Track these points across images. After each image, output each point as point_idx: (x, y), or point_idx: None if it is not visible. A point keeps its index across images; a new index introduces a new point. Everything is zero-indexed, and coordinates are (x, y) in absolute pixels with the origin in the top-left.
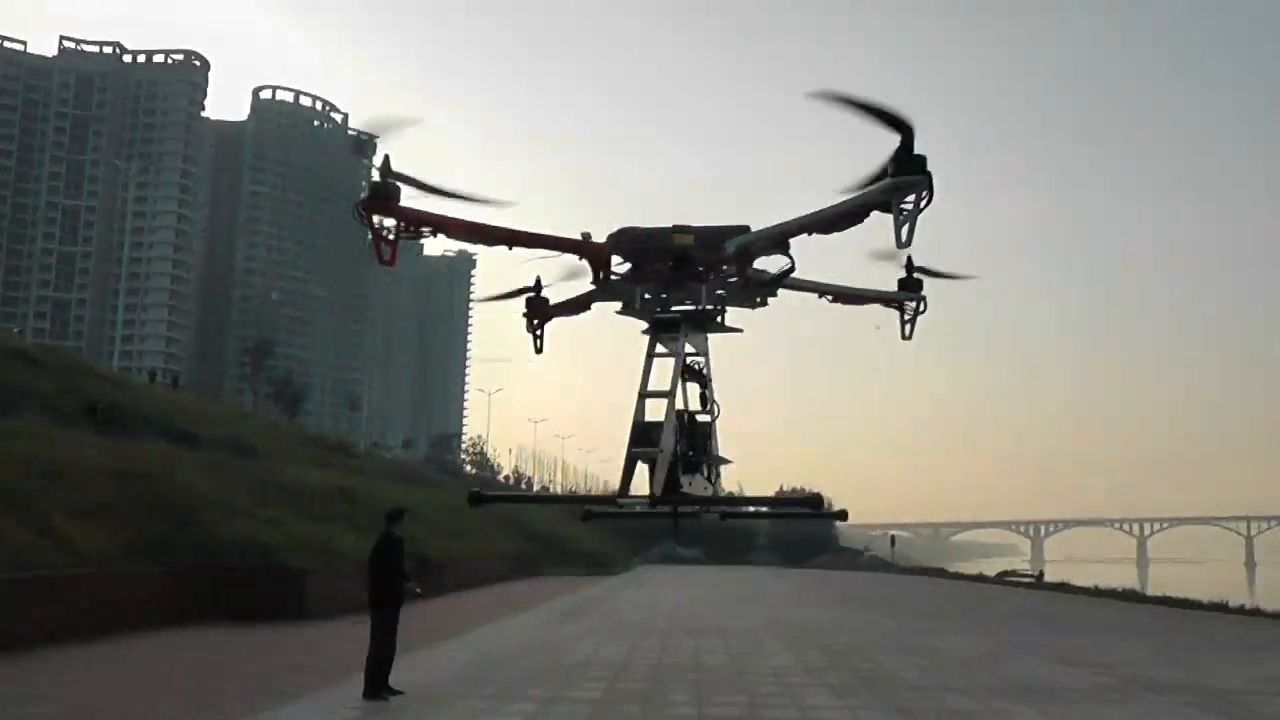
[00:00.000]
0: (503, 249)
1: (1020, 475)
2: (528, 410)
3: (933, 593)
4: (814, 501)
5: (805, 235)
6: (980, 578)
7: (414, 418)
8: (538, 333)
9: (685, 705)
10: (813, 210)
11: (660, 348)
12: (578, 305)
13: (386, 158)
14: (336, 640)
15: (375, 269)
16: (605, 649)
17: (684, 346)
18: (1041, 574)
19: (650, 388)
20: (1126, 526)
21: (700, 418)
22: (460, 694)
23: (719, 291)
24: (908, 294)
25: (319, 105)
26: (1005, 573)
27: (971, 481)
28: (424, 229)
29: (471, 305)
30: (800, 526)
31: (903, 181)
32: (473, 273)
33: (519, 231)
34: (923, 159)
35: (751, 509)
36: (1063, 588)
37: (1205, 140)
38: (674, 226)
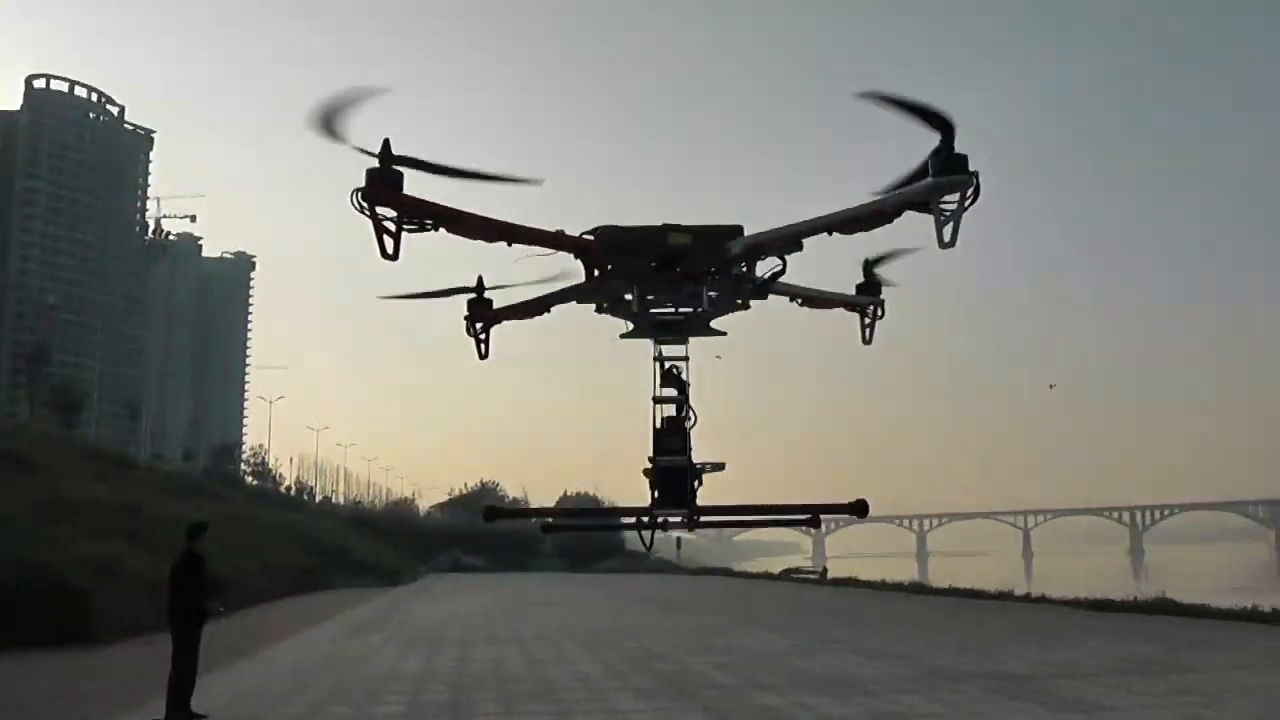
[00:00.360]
0: (499, 246)
1: (799, 474)
2: (310, 418)
3: (723, 592)
4: (860, 509)
5: (826, 235)
6: (767, 575)
7: (194, 427)
8: (481, 338)
9: (494, 716)
10: (843, 208)
11: (663, 350)
12: (534, 308)
13: (386, 141)
14: (129, 664)
15: (155, 271)
16: (404, 661)
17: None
18: (825, 570)
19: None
20: (906, 522)
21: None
22: (263, 715)
23: (711, 293)
24: (869, 298)
25: (95, 96)
26: (790, 570)
27: (751, 481)
28: (427, 221)
29: (250, 311)
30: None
31: (945, 181)
32: (252, 275)
33: (519, 227)
34: (965, 158)
35: (785, 518)
36: (850, 582)
37: None
38: (664, 225)
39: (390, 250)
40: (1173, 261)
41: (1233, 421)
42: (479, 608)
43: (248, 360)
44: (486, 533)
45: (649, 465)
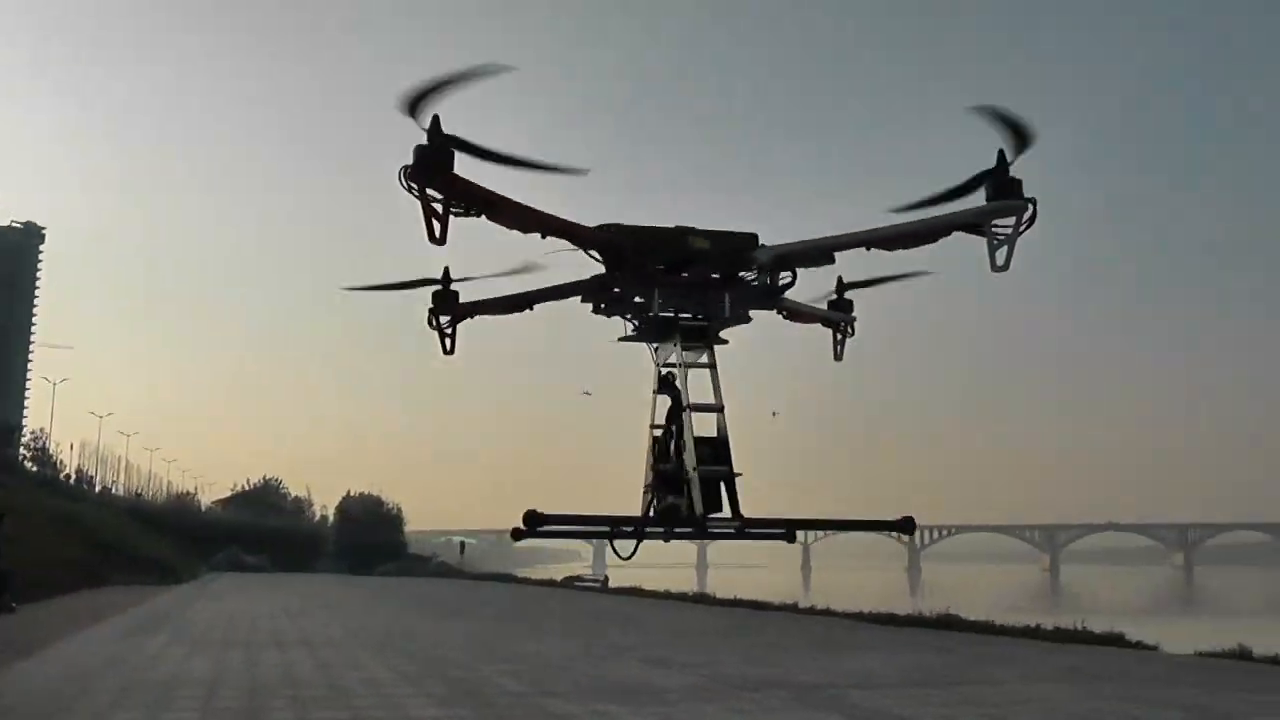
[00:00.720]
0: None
1: (584, 480)
2: (96, 402)
3: (508, 598)
4: (907, 525)
5: (864, 250)
6: (550, 583)
7: None
8: (447, 333)
9: None
10: (886, 224)
11: (690, 357)
12: (514, 303)
13: (436, 117)
14: None
15: None
16: (191, 664)
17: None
18: (606, 579)
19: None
20: None
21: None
22: None
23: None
24: (843, 314)
25: None
26: (572, 578)
27: (533, 487)
28: (471, 207)
29: (38, 285)
30: (367, 532)
31: (1002, 205)
32: (40, 248)
33: (555, 218)
34: (1020, 182)
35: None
36: (634, 591)
37: None
38: (680, 227)
39: (439, 234)
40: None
41: (1012, 447)
42: (264, 609)
43: (33, 338)
44: (268, 531)
45: (655, 474)
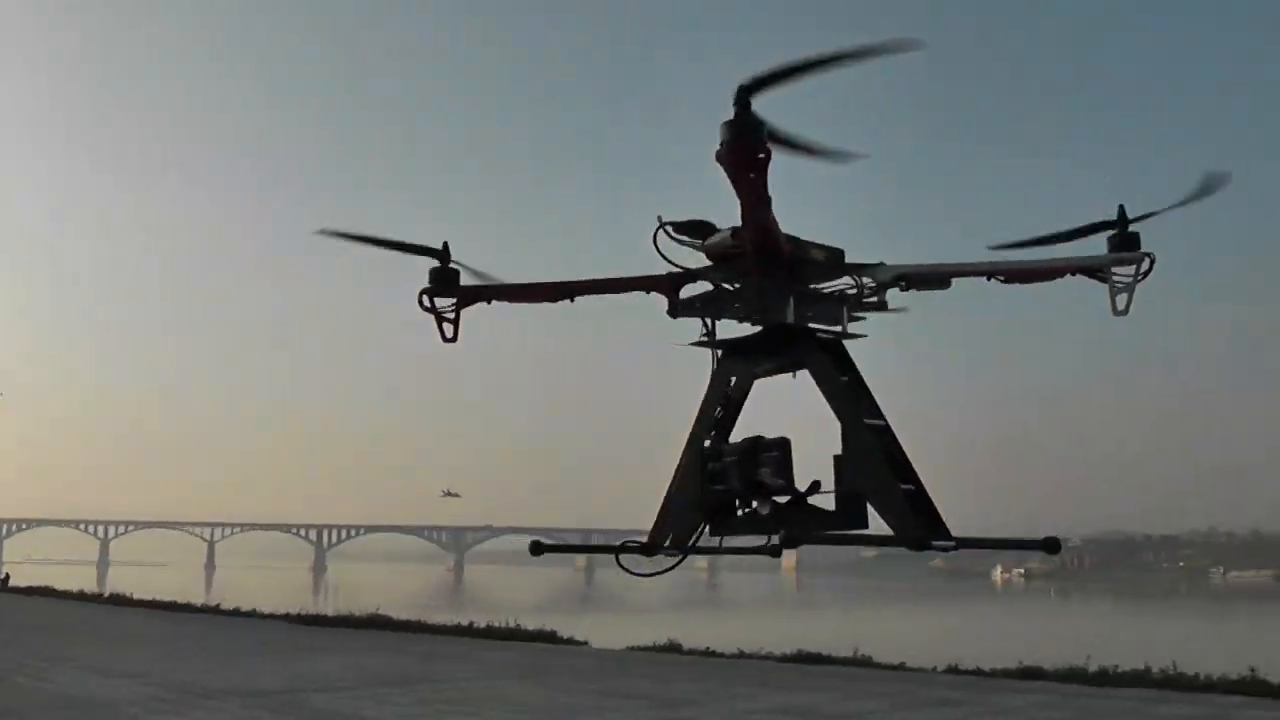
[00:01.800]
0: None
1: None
2: None
3: None
4: (1052, 545)
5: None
6: None
7: None
8: (447, 316)
9: None
10: (1004, 260)
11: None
12: (544, 292)
13: (758, 118)
14: None
15: None
16: None
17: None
18: (8, 577)
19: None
20: (90, 528)
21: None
22: None
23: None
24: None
25: None
26: None
27: None
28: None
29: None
30: None
31: (1126, 256)
32: None
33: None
34: (1138, 235)
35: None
36: (46, 592)
37: None
38: (790, 236)
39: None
40: None
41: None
42: None
43: None
44: None
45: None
